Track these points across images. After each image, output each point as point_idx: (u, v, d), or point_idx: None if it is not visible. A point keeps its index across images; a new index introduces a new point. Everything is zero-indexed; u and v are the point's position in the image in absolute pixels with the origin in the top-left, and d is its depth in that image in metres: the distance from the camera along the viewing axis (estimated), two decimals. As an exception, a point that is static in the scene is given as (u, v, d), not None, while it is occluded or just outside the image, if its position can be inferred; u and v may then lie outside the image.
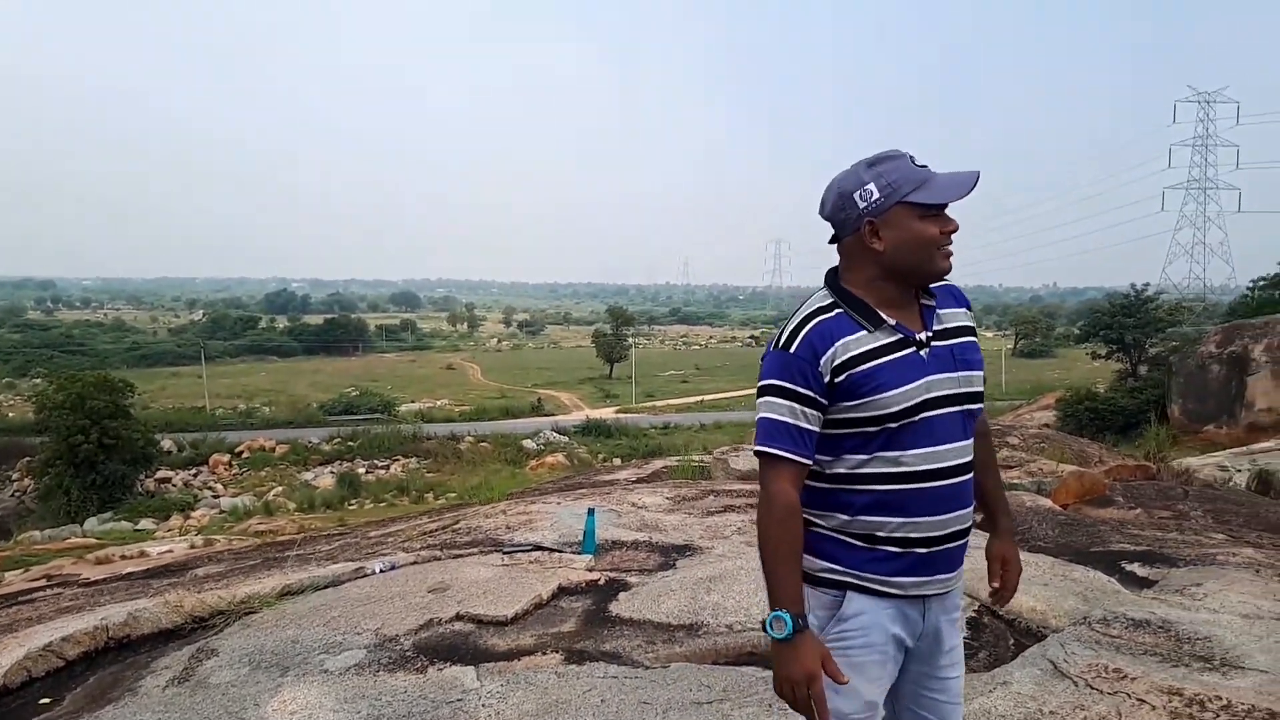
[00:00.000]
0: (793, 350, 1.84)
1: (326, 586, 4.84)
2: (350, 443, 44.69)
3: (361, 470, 40.29)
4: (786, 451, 1.83)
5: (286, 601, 4.57)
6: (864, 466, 1.85)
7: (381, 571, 5.02)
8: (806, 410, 1.83)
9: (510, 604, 4.25)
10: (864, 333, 1.84)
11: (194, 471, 41.40)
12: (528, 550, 5.24)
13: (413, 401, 61.94)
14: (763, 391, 1.86)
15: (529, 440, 45.47)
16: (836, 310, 1.87)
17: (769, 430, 1.83)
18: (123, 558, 15.15)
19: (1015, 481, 7.77)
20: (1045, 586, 4.24)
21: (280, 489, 37.04)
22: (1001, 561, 2.10)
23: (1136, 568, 4.72)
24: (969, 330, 1.95)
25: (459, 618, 4.13)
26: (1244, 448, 18.55)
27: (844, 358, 1.82)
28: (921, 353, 1.86)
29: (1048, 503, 6.83)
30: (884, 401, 1.81)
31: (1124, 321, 34.13)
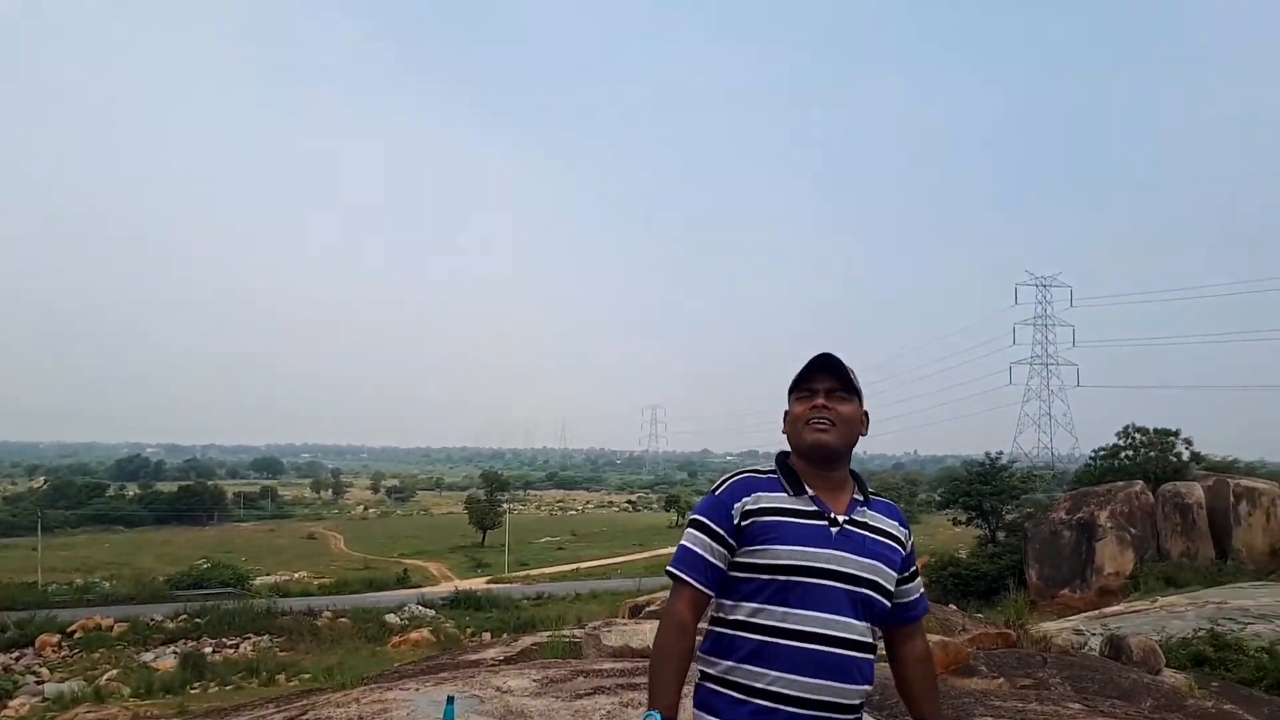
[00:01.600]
0: (718, 494, 2.16)
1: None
2: (198, 619, 41.66)
3: (208, 650, 37.47)
4: (689, 577, 2.10)
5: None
6: (755, 616, 2.06)
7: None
8: (715, 546, 2.10)
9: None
10: (784, 494, 2.13)
11: (16, 654, 37.64)
12: (380, 743, 4.89)
13: (268, 574, 58.78)
14: (688, 524, 2.15)
15: (392, 615, 43.42)
16: (769, 474, 2.19)
17: (681, 556, 2.13)
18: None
19: (882, 654, 7.80)
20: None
21: (114, 672, 33.97)
22: None
23: (1000, 744, 4.73)
24: (893, 538, 2.18)
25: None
26: (1096, 611, 19.31)
27: (755, 506, 2.10)
28: (831, 529, 2.10)
29: (914, 675, 6.85)
30: (778, 553, 2.05)
31: (981, 489, 35.62)
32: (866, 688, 2.08)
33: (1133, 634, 10.30)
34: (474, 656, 9.79)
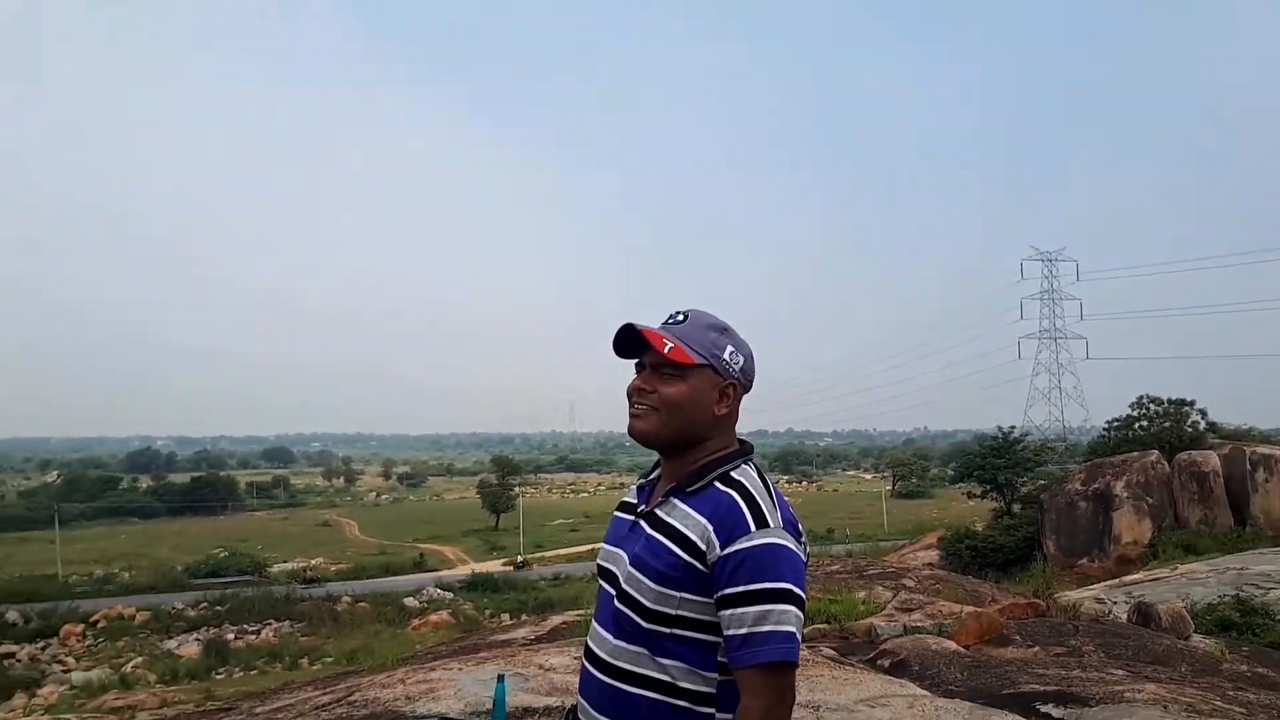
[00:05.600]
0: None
1: (213, 773, 4.45)
2: (218, 607, 42.18)
3: (230, 636, 37.88)
4: None
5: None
6: None
7: (274, 752, 4.66)
8: None
9: (421, 782, 3.97)
10: (635, 491, 1.82)
11: (42, 644, 38.11)
12: (434, 721, 4.95)
13: (285, 561, 59.17)
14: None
15: (410, 598, 43.78)
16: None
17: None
18: (-44, 746, 13.69)
19: (918, 624, 7.84)
20: (968, 733, 4.23)
21: (139, 660, 34.34)
22: None
23: (1051, 709, 4.77)
24: (680, 539, 1.59)
25: (365, 801, 3.83)
26: (1116, 580, 19.36)
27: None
28: (632, 522, 1.72)
29: (952, 644, 6.89)
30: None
31: (995, 462, 35.62)
32: None
33: (1159, 601, 10.33)
34: (505, 636, 9.88)
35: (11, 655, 36.04)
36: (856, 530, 63.12)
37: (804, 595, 1.56)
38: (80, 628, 39.73)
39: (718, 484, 1.63)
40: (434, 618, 37.01)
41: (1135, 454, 28.48)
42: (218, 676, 29.06)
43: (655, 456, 1.76)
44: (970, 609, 8.24)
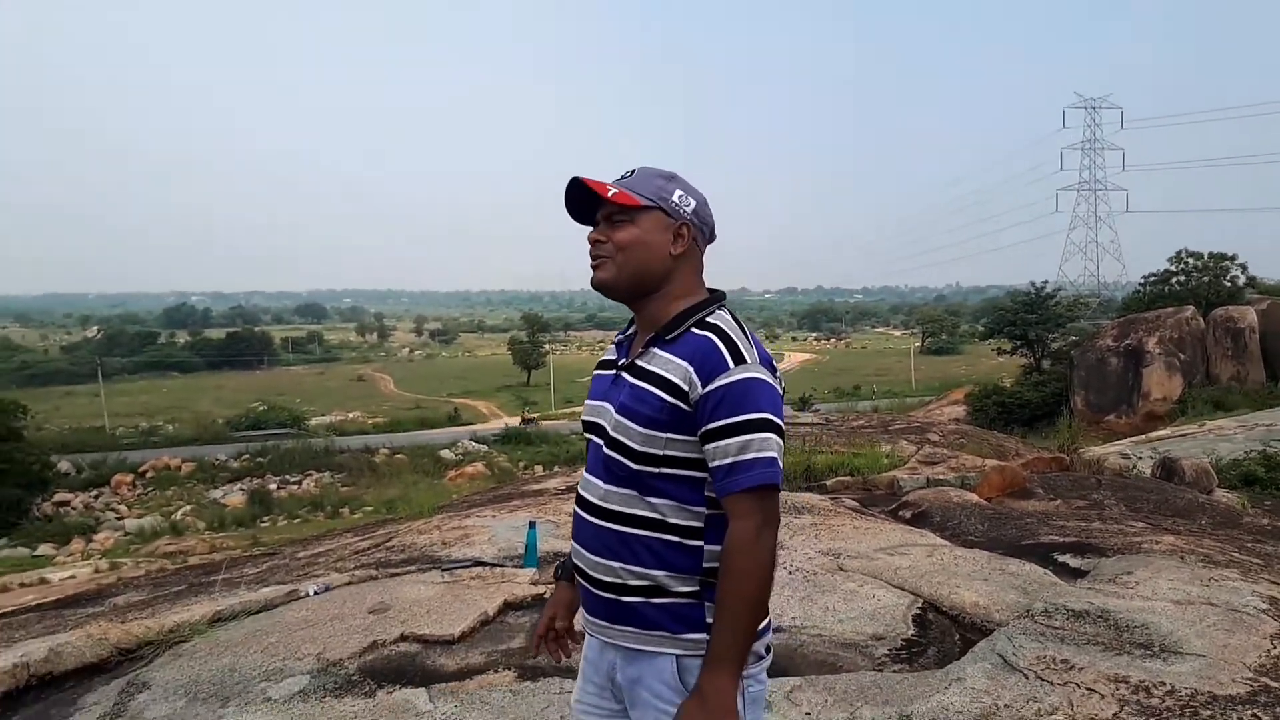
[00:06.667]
0: None
1: (259, 611, 4.66)
2: (260, 459, 43.55)
3: (273, 487, 39.27)
4: None
5: (218, 629, 4.39)
6: None
7: (316, 594, 4.86)
8: None
9: (456, 622, 4.15)
10: (614, 349, 1.88)
11: (95, 493, 39.77)
12: (468, 566, 5.14)
13: (323, 415, 60.64)
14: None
15: (447, 451, 44.89)
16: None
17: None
18: (21, 585, 14.48)
19: (940, 477, 7.96)
20: (985, 581, 4.33)
21: (188, 508, 35.83)
22: None
23: (1069, 559, 4.86)
24: (663, 383, 1.65)
25: (403, 639, 4.02)
26: (1142, 435, 19.43)
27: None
28: (614, 376, 1.79)
29: (974, 497, 7.00)
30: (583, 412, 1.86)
31: (1026, 318, 35.34)
32: (623, 565, 1.70)
33: (1184, 456, 10.38)
34: (537, 487, 10.15)
35: (67, 503, 37.65)
36: (884, 387, 63.43)
37: (782, 423, 1.65)
38: (130, 478, 41.31)
39: (694, 329, 1.70)
40: (469, 469, 38.01)
41: (1170, 310, 28.14)
42: (262, 524, 30.23)
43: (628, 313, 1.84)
44: (993, 462, 8.34)
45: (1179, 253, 32.02)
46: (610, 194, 1.71)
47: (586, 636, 1.86)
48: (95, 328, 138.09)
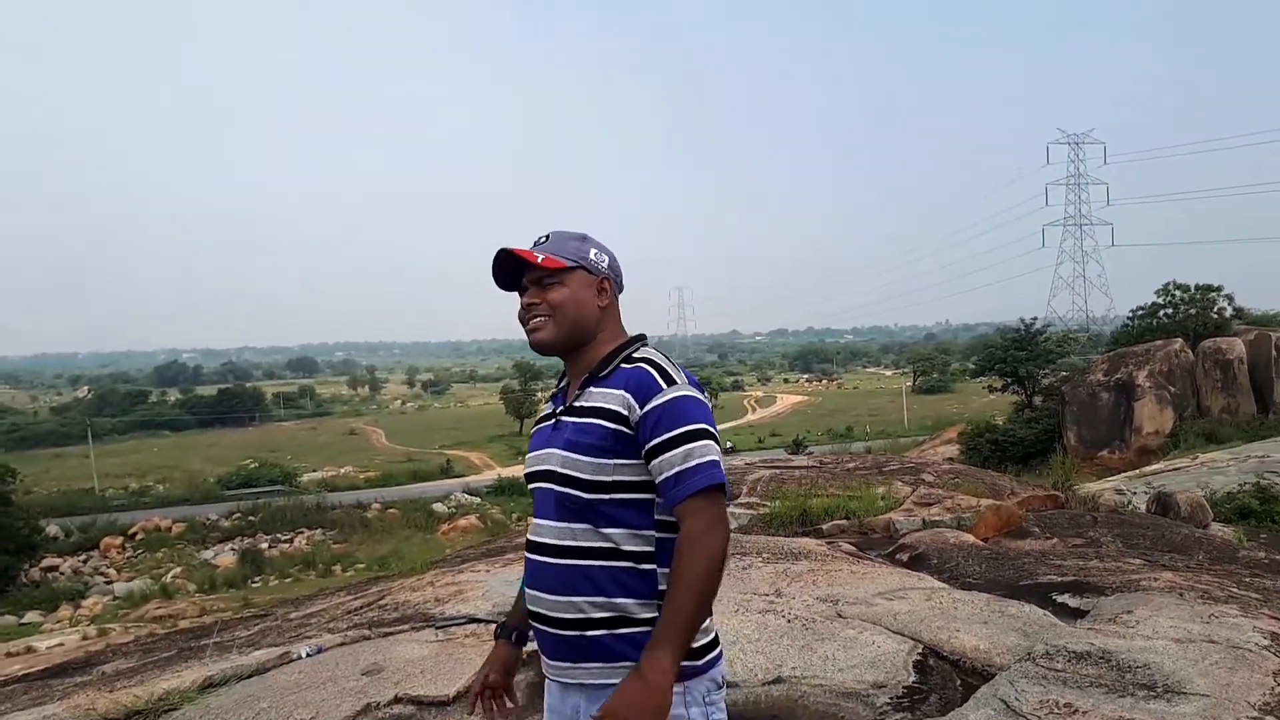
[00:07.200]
0: None
1: (251, 675, 4.59)
2: (251, 517, 43.07)
3: (264, 545, 38.82)
4: None
5: (209, 695, 4.32)
6: None
7: (309, 656, 4.80)
8: None
9: (450, 682, 4.09)
10: (550, 403, 2.01)
11: (84, 557, 39.23)
12: (462, 624, 5.08)
13: (315, 470, 60.27)
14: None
15: (439, 504, 44.58)
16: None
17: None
18: (8, 655, 14.22)
19: (936, 518, 7.92)
20: (985, 624, 4.29)
21: (178, 570, 35.37)
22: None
23: (1067, 599, 4.83)
24: (604, 413, 1.79)
25: (397, 700, 3.95)
26: (1136, 470, 19.43)
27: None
28: (553, 425, 1.90)
29: (970, 538, 6.97)
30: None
31: (1016, 355, 35.44)
32: (586, 599, 1.77)
33: (1178, 490, 10.36)
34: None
35: (55, 568, 37.10)
36: (876, 427, 63.40)
37: (717, 431, 1.81)
38: (119, 540, 40.78)
39: (623, 364, 1.85)
40: (462, 522, 37.71)
41: (1159, 343, 28.26)
42: (254, 585, 29.88)
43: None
44: (989, 502, 8.30)
45: (1166, 285, 32.23)
46: (539, 259, 1.86)
47: (547, 685, 1.91)
48: (86, 388, 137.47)
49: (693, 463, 1.71)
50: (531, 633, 1.94)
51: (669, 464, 1.72)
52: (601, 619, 1.76)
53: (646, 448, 1.75)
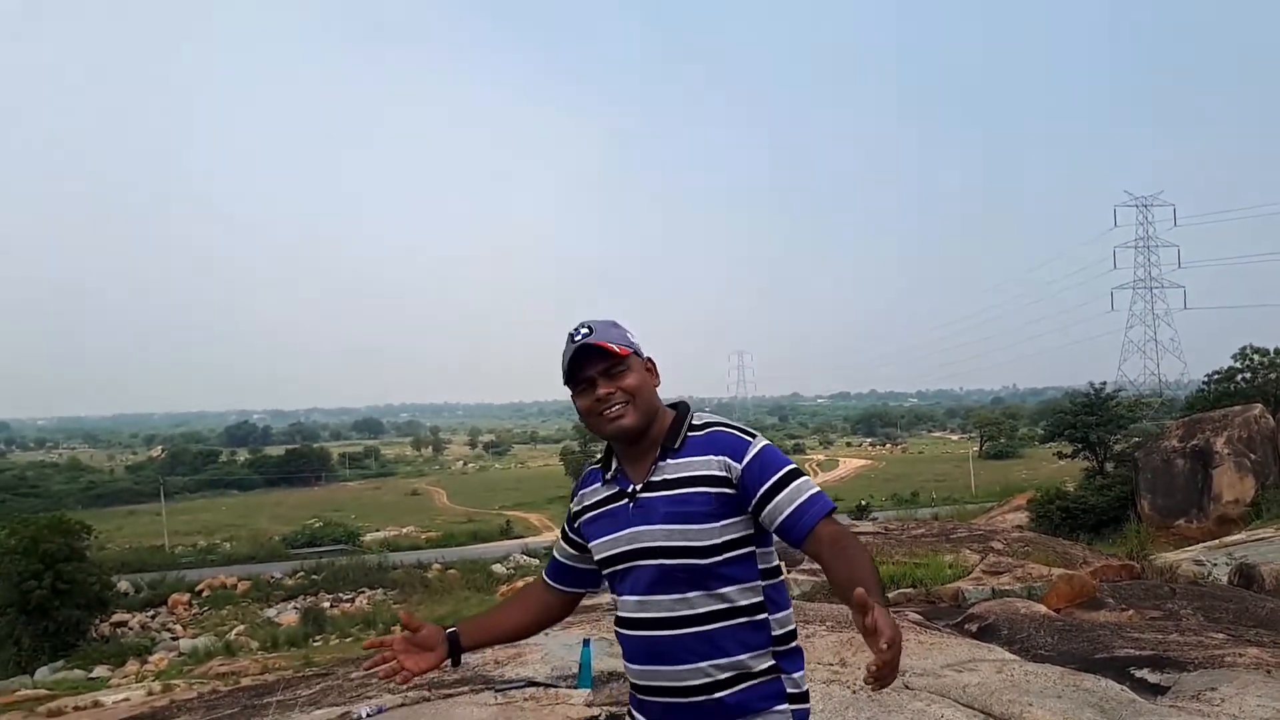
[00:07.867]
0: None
1: (312, 735, 4.62)
2: (314, 576, 43.58)
3: (326, 604, 39.14)
4: (546, 568, 2.20)
5: (271, 754, 4.34)
6: (616, 609, 2.02)
7: (369, 716, 4.81)
8: (564, 546, 2.15)
9: (509, 746, 4.06)
10: (599, 483, 2.05)
11: (152, 613, 39.97)
12: (521, 687, 5.06)
13: (378, 530, 60.83)
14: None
15: (498, 565, 44.62)
16: (599, 461, 2.10)
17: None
18: (75, 709, 14.44)
19: (1006, 587, 7.71)
20: (1059, 699, 4.14)
21: (242, 627, 35.77)
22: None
23: (1146, 674, 4.64)
24: (702, 480, 1.89)
25: (456, 763, 3.93)
26: (1216, 540, 18.65)
27: (579, 508, 2.08)
28: (629, 505, 1.94)
29: (1041, 608, 6.76)
30: (596, 549, 2.00)
31: (1087, 420, 34.57)
32: (711, 662, 1.85)
33: (1262, 562, 9.96)
34: (591, 601, 10.00)
35: (124, 623, 37.81)
36: (942, 493, 62.10)
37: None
38: (186, 597, 41.51)
39: (691, 433, 1.96)
40: (520, 584, 37.60)
41: (1237, 408, 27.33)
42: (315, 643, 30.05)
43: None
44: (1061, 571, 8.06)
45: (1243, 349, 31.32)
46: (617, 349, 1.95)
47: None
48: (159, 447, 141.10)
49: (806, 494, 1.83)
50: (634, 706, 2.01)
51: (787, 501, 1.83)
52: (726, 679, 1.85)
53: (758, 496, 1.84)
